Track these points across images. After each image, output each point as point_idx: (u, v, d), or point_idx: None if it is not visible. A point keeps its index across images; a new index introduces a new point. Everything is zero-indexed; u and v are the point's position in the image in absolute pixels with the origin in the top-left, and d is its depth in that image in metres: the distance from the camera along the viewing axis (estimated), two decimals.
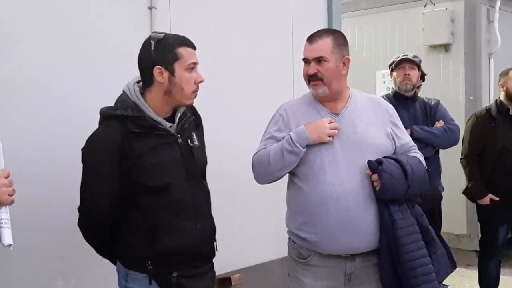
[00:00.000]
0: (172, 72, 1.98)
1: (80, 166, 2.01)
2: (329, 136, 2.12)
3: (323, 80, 2.16)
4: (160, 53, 1.97)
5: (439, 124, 3.61)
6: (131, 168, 1.95)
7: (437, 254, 2.18)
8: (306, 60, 2.21)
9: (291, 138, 2.12)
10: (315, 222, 2.14)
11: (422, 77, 3.89)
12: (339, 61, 2.18)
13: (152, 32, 2.03)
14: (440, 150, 3.72)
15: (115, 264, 2.11)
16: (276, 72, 3.57)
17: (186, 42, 2.02)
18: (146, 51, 2.01)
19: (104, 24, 2.59)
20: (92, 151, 1.99)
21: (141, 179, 1.96)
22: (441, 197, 3.73)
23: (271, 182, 2.25)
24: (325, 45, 2.17)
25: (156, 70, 1.97)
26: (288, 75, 3.55)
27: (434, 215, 3.54)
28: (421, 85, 3.98)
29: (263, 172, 2.18)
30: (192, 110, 2.15)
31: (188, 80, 2.00)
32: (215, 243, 2.16)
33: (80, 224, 2.04)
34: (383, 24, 5.82)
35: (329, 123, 2.14)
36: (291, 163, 2.14)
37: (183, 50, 1.99)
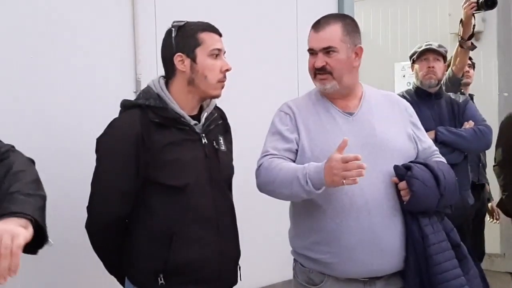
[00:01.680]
0: (193, 59, 2.07)
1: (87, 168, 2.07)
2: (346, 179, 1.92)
3: (332, 74, 2.16)
4: (181, 40, 2.07)
5: (469, 125, 3.60)
6: (148, 162, 2.01)
7: (470, 274, 2.18)
8: (312, 51, 2.21)
9: (307, 172, 2.01)
10: (331, 240, 2.12)
11: (473, 65, 3.93)
12: (351, 51, 2.19)
13: (174, 21, 2.13)
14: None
15: (122, 283, 2.17)
16: (278, 65, 3.61)
17: (210, 28, 2.11)
18: (167, 39, 2.11)
19: (83, 19, 2.69)
20: (107, 140, 2.07)
21: (157, 176, 2.02)
22: (472, 210, 3.75)
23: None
24: (334, 32, 2.16)
25: (177, 57, 2.07)
26: (292, 67, 3.58)
27: (464, 231, 3.56)
28: (470, 76, 4.01)
29: (266, 186, 2.15)
30: (221, 114, 2.25)
31: (212, 68, 2.08)
32: (238, 269, 2.22)
33: (88, 225, 2.10)
34: (403, 8, 5.84)
35: (344, 161, 1.92)
36: (298, 196, 2.08)
37: (205, 35, 2.08)
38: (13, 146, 1.82)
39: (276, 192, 2.13)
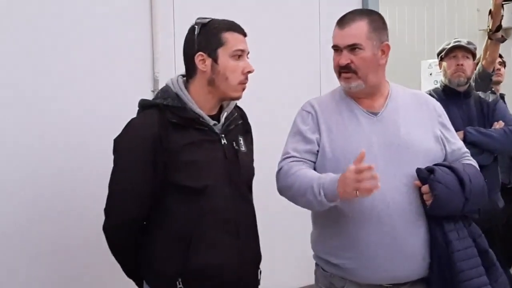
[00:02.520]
0: (215, 59, 2.06)
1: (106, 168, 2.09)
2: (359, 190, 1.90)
3: (357, 73, 2.14)
4: (204, 38, 2.06)
5: (499, 125, 3.57)
6: (166, 163, 2.01)
7: (498, 282, 2.14)
8: (336, 48, 2.18)
9: (322, 182, 2.00)
10: (352, 245, 2.11)
11: (504, 63, 3.88)
12: (377, 48, 2.16)
13: (198, 18, 2.12)
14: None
15: (141, 287, 2.17)
16: (301, 63, 3.59)
17: (234, 27, 2.09)
18: (190, 37, 2.10)
19: (100, 17, 2.73)
20: (125, 140, 2.07)
21: (176, 177, 2.02)
22: (502, 214, 3.68)
23: None
24: (360, 29, 2.13)
25: (198, 57, 2.06)
26: (314, 65, 3.56)
27: (493, 236, 3.50)
28: (501, 74, 3.96)
29: (285, 191, 2.15)
30: (241, 113, 2.24)
31: (233, 69, 2.07)
32: (259, 273, 2.21)
33: (105, 227, 2.10)
34: (430, 3, 5.80)
35: (357, 171, 1.88)
36: (311, 206, 2.07)
37: (229, 35, 2.07)
38: None
39: (293, 199, 2.13)
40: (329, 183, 1.98)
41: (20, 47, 2.52)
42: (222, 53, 2.06)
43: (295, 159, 2.14)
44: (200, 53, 2.06)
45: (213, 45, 2.06)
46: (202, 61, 2.07)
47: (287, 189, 2.11)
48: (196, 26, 2.08)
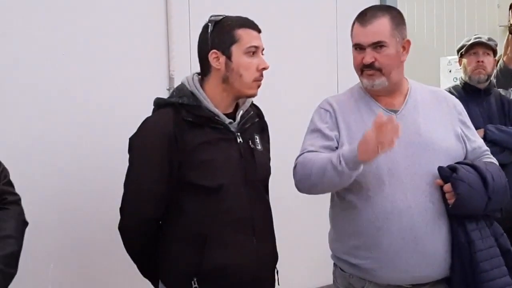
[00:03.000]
0: (229, 57, 2.06)
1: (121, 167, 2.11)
2: (381, 147, 1.87)
3: (381, 70, 2.12)
4: (217, 36, 2.06)
5: None
6: (181, 163, 2.02)
7: None
8: (360, 46, 2.15)
9: (341, 153, 1.99)
10: (372, 245, 2.09)
11: None
12: (400, 45, 2.14)
13: (211, 15, 2.12)
14: None
15: (157, 286, 2.19)
16: (317, 60, 3.58)
17: (248, 23, 2.09)
18: (203, 35, 2.10)
19: (116, 16, 2.75)
20: (140, 139, 2.08)
21: (191, 177, 2.02)
22: None
23: (313, 194, 2.21)
24: (383, 26, 2.11)
25: (212, 54, 2.06)
26: (331, 62, 3.55)
27: None
28: None
29: (304, 181, 2.11)
30: (257, 111, 2.24)
31: (248, 66, 2.06)
32: (276, 273, 2.21)
33: (121, 227, 2.11)
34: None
35: (377, 127, 1.86)
36: (332, 184, 2.02)
37: (242, 32, 2.06)
38: (20, 199, 1.94)
39: (314, 187, 2.08)
40: (348, 151, 1.95)
41: (39, 47, 2.54)
42: (235, 50, 2.05)
43: (311, 151, 2.11)
44: (214, 50, 2.06)
45: (226, 42, 2.05)
46: (216, 58, 2.06)
47: (306, 177, 2.07)
48: (210, 24, 2.08)
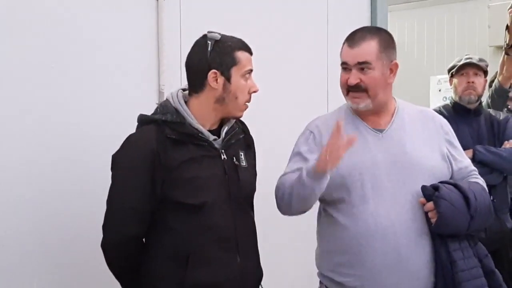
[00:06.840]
0: (228, 78, 2.08)
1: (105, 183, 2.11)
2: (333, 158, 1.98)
3: (367, 92, 2.17)
4: (218, 56, 2.07)
5: (509, 144, 3.56)
6: (164, 180, 2.03)
7: None
8: (345, 66, 2.21)
9: (306, 166, 2.09)
10: (355, 263, 2.13)
11: None
12: (386, 67, 2.19)
13: (208, 32, 2.13)
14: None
15: None
16: (308, 78, 3.61)
17: (245, 47, 2.13)
18: (201, 52, 2.10)
19: (105, 29, 2.74)
20: (122, 157, 2.08)
21: (174, 195, 2.03)
22: (510, 235, 3.68)
23: (294, 215, 2.25)
24: (370, 48, 2.16)
25: (211, 74, 2.07)
26: (322, 80, 3.58)
27: (501, 258, 3.50)
28: None
29: (281, 203, 2.20)
30: (242, 127, 2.26)
31: (243, 89, 2.10)
32: None
33: (103, 244, 2.11)
34: (440, 19, 5.81)
35: (332, 136, 1.99)
36: (298, 196, 2.10)
37: (241, 55, 2.10)
38: None
39: (289, 206, 2.16)
40: (312, 163, 2.05)
41: (27, 60, 2.52)
42: (235, 72, 2.08)
43: (287, 173, 2.21)
44: (213, 70, 2.06)
45: (228, 63, 2.07)
46: (214, 78, 2.07)
47: (281, 199, 2.17)
48: (209, 42, 2.08)
